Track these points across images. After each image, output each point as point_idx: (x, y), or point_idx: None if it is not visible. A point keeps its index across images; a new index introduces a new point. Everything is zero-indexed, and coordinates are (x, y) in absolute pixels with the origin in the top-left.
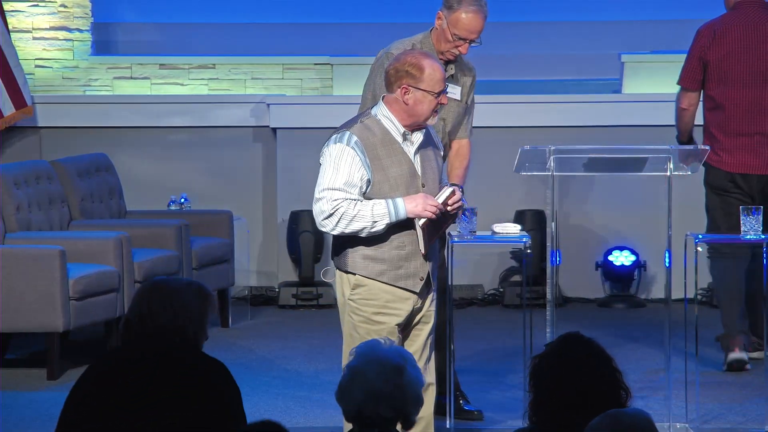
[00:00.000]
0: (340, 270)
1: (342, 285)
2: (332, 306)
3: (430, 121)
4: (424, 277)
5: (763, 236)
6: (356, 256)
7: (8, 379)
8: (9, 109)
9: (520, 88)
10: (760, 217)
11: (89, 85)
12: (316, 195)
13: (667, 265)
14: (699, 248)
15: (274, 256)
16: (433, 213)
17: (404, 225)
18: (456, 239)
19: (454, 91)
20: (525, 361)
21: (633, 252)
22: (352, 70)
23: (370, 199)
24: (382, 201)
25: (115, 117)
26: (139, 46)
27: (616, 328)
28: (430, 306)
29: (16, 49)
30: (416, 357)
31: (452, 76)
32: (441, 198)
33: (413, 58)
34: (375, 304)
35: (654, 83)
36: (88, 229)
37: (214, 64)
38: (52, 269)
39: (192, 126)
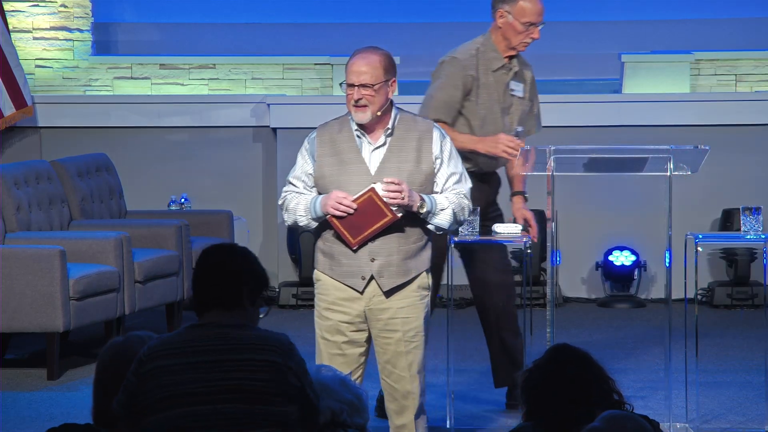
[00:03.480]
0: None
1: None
2: None
3: (355, 117)
4: (367, 277)
5: (763, 236)
6: (317, 250)
7: (8, 379)
8: (9, 109)
9: None
10: (761, 217)
11: (89, 85)
12: None
13: (667, 265)
14: (699, 248)
15: (275, 256)
16: (337, 210)
17: None
18: (456, 239)
19: (517, 88)
20: (525, 361)
21: (633, 252)
22: None
23: (318, 191)
24: (312, 197)
25: (115, 117)
26: (139, 46)
27: (616, 328)
28: (397, 313)
29: (17, 49)
30: (389, 367)
31: (516, 72)
32: (356, 196)
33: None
34: (326, 299)
35: (654, 83)
36: (88, 229)
37: (214, 64)
38: (52, 269)
39: (192, 126)
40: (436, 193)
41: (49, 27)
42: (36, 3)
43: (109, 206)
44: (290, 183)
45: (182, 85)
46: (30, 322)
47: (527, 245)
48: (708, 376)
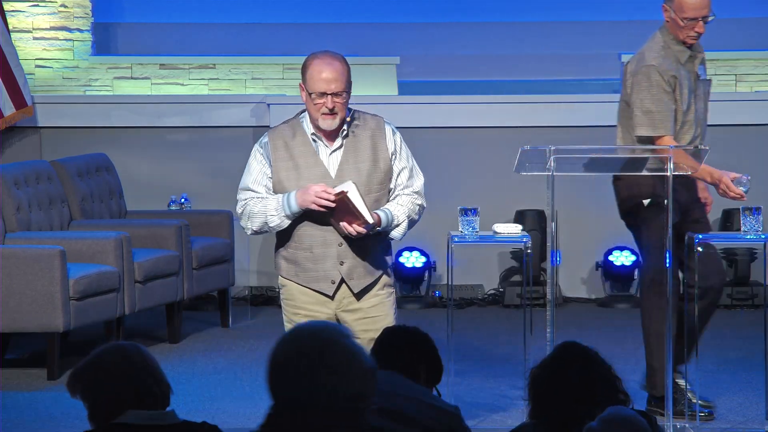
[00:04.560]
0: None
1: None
2: None
3: (323, 125)
4: (336, 281)
5: (763, 236)
6: (279, 257)
7: (8, 379)
8: (9, 109)
9: (520, 88)
10: (761, 217)
11: (89, 85)
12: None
13: (668, 265)
14: (699, 248)
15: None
16: (322, 202)
17: (312, 227)
18: (457, 239)
19: (703, 73)
20: (525, 361)
21: (633, 252)
22: (353, 70)
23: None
24: (279, 196)
25: (116, 117)
26: (139, 46)
27: (616, 328)
28: (368, 313)
29: (17, 49)
30: None
31: (702, 59)
32: (338, 189)
33: (309, 57)
34: (293, 304)
35: None
36: (88, 229)
37: (214, 64)
38: (52, 269)
39: (192, 126)
40: (390, 189)
41: (49, 27)
42: (36, 3)
43: (109, 206)
44: (249, 190)
45: (182, 85)
46: (30, 322)
47: (527, 245)
48: (708, 376)
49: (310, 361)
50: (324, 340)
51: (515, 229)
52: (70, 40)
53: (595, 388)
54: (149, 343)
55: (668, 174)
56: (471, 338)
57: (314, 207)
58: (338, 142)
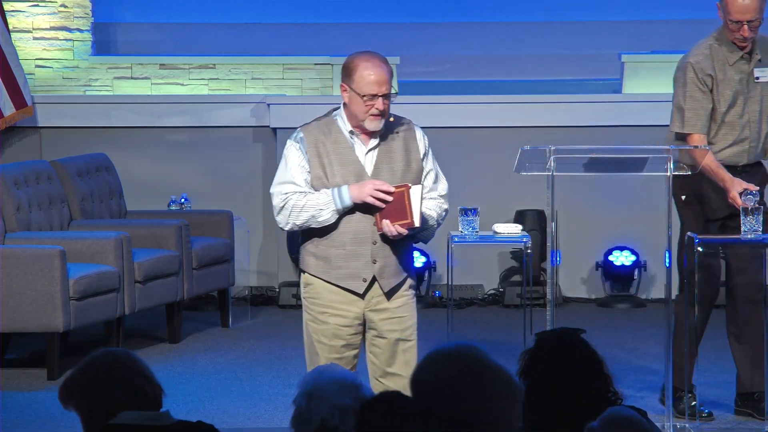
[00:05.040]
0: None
1: (300, 283)
2: None
3: (370, 126)
4: (368, 279)
5: (762, 237)
6: (306, 254)
7: (8, 379)
8: (9, 109)
9: (520, 88)
10: (761, 218)
11: (89, 85)
12: (270, 192)
13: (667, 265)
14: (699, 248)
15: (275, 256)
16: (380, 195)
17: (347, 223)
18: (457, 239)
19: (763, 74)
20: None
21: (633, 252)
22: None
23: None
24: (328, 190)
25: (116, 117)
26: (139, 46)
27: (616, 328)
28: (395, 313)
29: (17, 49)
30: (383, 368)
31: (760, 60)
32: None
33: (355, 57)
34: (320, 303)
35: (654, 83)
36: (88, 229)
37: (214, 64)
38: (52, 269)
39: (192, 126)
40: None
41: (49, 27)
42: (36, 3)
43: (109, 206)
44: (290, 183)
45: (182, 85)
46: (30, 322)
47: (527, 245)
48: (708, 376)
49: (471, 383)
50: (482, 362)
51: (515, 229)
52: (70, 40)
53: (590, 382)
54: (149, 343)
55: (668, 174)
56: (471, 338)
57: (370, 200)
58: (374, 141)
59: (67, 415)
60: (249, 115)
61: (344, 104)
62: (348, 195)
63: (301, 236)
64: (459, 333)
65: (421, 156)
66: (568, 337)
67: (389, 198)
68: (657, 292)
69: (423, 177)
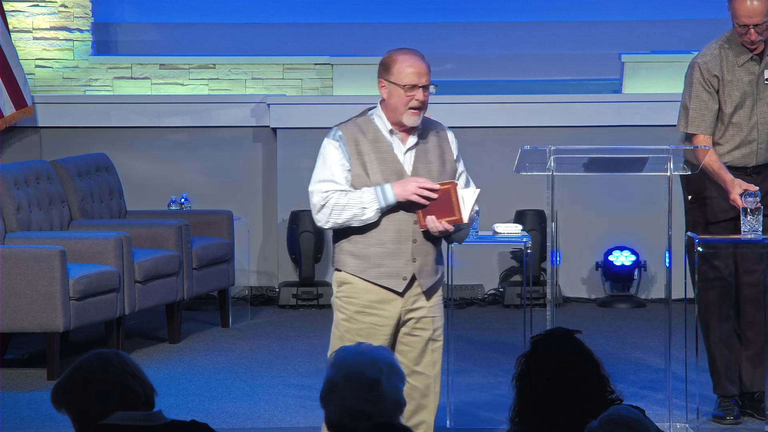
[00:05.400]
0: (334, 267)
1: (333, 282)
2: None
3: (408, 121)
4: (408, 278)
5: (762, 237)
6: (341, 253)
7: (8, 379)
8: (9, 109)
9: (520, 88)
10: (761, 218)
11: (89, 85)
12: (309, 189)
13: (668, 265)
14: (699, 248)
15: (274, 256)
16: (425, 193)
17: (388, 221)
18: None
19: None
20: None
21: (633, 252)
22: (352, 70)
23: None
24: (371, 188)
25: (116, 117)
26: (139, 46)
27: (616, 328)
28: (429, 312)
29: (17, 49)
30: (411, 366)
31: None
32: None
33: (393, 52)
34: (357, 302)
35: (654, 83)
36: (88, 229)
37: (214, 64)
38: (52, 269)
39: (192, 126)
40: None
41: (49, 27)
42: (36, 3)
43: (109, 206)
44: (330, 181)
45: (182, 85)
46: (30, 322)
47: (527, 245)
48: (708, 376)
49: None
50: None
51: (515, 229)
52: (70, 40)
53: (586, 381)
54: (149, 343)
55: (668, 174)
56: (471, 338)
57: (415, 198)
58: (412, 141)
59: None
60: (249, 115)
61: (381, 102)
62: (392, 193)
63: (335, 235)
64: (459, 333)
65: (454, 157)
66: (564, 338)
67: (434, 195)
68: (657, 292)
69: (456, 178)
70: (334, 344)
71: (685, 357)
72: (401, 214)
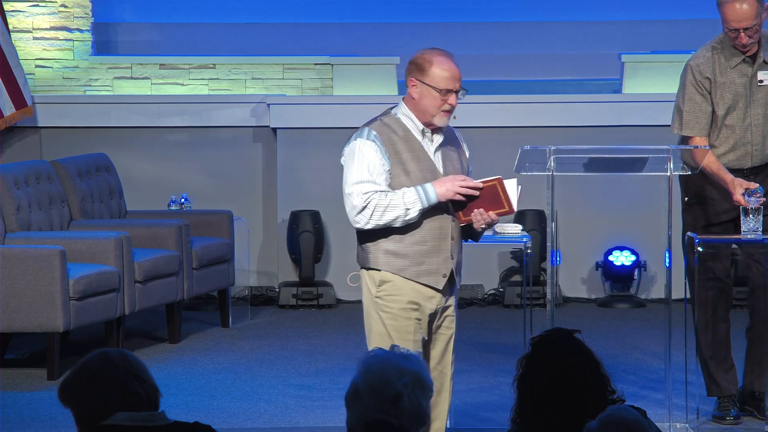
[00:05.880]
0: (363, 268)
1: (367, 283)
2: (332, 306)
3: (439, 122)
4: (447, 275)
5: (762, 237)
6: (378, 252)
7: (8, 379)
8: (9, 109)
9: (520, 88)
10: (761, 218)
11: (89, 85)
12: (346, 191)
13: (667, 265)
14: (699, 248)
15: (274, 256)
16: (467, 191)
17: (429, 219)
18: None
19: (767, 78)
20: None
21: (633, 252)
22: (352, 70)
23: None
24: (411, 188)
25: (116, 117)
26: (139, 46)
27: (616, 328)
28: (452, 311)
29: (17, 49)
30: (435, 362)
31: (766, 62)
32: (478, 182)
33: (427, 53)
34: (401, 299)
35: (654, 83)
36: (88, 229)
37: (214, 64)
38: (52, 269)
39: (192, 126)
40: None
41: (49, 27)
42: (36, 3)
43: (109, 206)
44: (370, 182)
45: (182, 85)
46: (30, 322)
47: (527, 245)
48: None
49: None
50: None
51: (515, 229)
52: (70, 40)
53: (586, 381)
54: (149, 343)
55: (668, 174)
56: (471, 338)
57: (458, 198)
58: (438, 139)
59: (67, 415)
60: (249, 115)
61: (404, 98)
62: (434, 192)
63: (366, 234)
64: (459, 333)
65: (468, 157)
66: (563, 339)
67: (476, 193)
68: (657, 292)
69: (469, 175)
70: (375, 342)
71: (685, 357)
72: (441, 212)
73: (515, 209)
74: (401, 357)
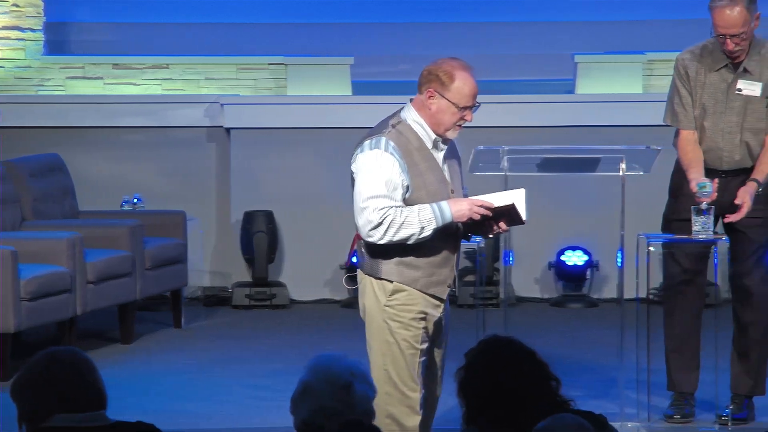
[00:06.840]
0: (372, 277)
1: (375, 292)
2: (286, 306)
3: (452, 135)
4: (451, 285)
5: (715, 237)
6: (391, 263)
7: None
8: None
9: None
10: (712, 218)
11: (42, 85)
12: (360, 205)
13: (620, 264)
14: (651, 248)
15: (228, 257)
16: (482, 211)
17: (441, 233)
18: None
19: (747, 88)
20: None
21: (585, 252)
22: (307, 70)
23: (409, 205)
24: (427, 206)
25: (69, 117)
26: (92, 46)
27: (568, 328)
28: (445, 319)
29: None
30: (429, 374)
31: (747, 71)
32: (496, 200)
33: (449, 66)
34: (413, 309)
35: (607, 84)
36: (41, 230)
37: (168, 64)
38: (4, 270)
39: (146, 126)
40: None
41: (0, 27)
42: None
43: (62, 207)
44: (386, 198)
45: (136, 85)
46: None
47: (480, 245)
48: (661, 375)
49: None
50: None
51: None
52: (22, 39)
53: (526, 376)
54: (102, 343)
55: (621, 174)
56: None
57: (476, 217)
58: (443, 148)
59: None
60: (203, 115)
61: (419, 108)
62: (449, 212)
63: (378, 247)
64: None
65: (461, 161)
66: (498, 345)
67: (489, 213)
68: (609, 291)
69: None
70: (385, 351)
71: (637, 357)
72: (453, 226)
73: (525, 221)
74: (344, 356)
